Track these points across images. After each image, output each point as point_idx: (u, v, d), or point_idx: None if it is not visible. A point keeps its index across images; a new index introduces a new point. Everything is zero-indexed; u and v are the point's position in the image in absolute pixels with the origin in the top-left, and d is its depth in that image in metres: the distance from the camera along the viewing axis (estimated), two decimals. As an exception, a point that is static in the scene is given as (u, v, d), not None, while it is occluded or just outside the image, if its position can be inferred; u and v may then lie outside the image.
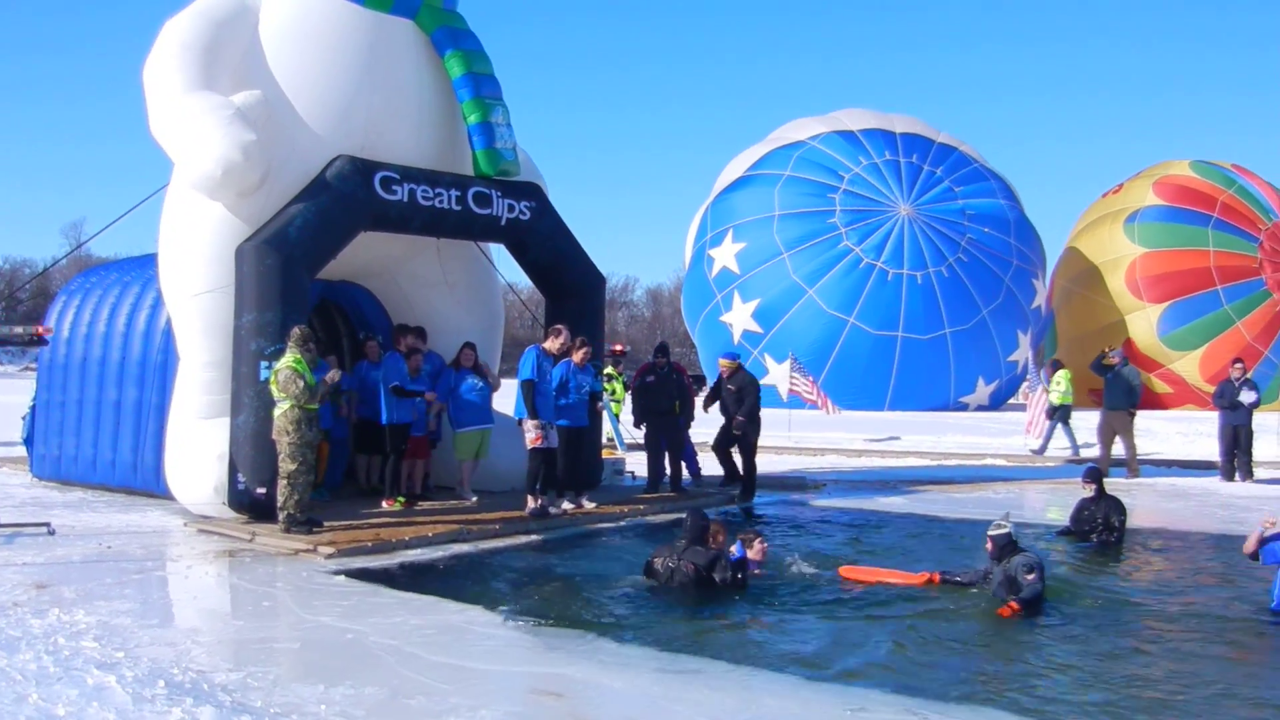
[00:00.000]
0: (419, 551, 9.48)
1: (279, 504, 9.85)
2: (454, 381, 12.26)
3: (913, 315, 32.00)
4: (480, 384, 12.33)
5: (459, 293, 13.27)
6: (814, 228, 32.89)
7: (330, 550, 9.11)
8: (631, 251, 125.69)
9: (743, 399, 13.72)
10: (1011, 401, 36.31)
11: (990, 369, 33.41)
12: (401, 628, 6.77)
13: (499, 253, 13.62)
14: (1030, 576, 7.74)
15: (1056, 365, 21.30)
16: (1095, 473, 10.81)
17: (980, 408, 34.01)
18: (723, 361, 14.00)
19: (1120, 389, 16.82)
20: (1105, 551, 10.15)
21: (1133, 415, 16.85)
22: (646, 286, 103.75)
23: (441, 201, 11.56)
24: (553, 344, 11.46)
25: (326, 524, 10.05)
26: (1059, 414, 20.53)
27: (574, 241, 13.10)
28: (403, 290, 13.15)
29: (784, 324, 32.37)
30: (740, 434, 13.69)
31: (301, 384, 9.81)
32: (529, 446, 11.20)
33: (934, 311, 32.18)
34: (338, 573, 8.44)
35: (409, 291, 13.14)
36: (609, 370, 21.32)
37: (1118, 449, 17.07)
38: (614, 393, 20.37)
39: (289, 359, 9.94)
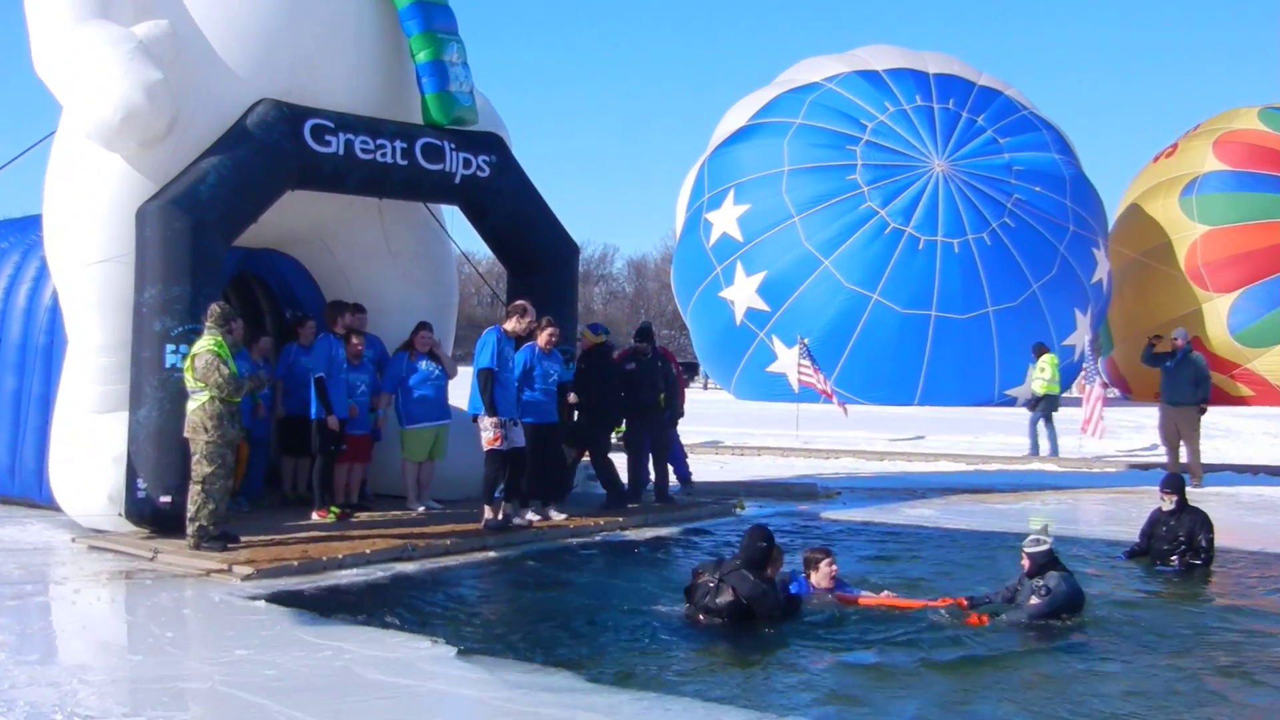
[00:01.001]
0: (355, 572, 9.51)
1: (189, 515, 9.83)
2: (405, 369, 12.28)
3: (949, 291, 32.14)
4: (437, 372, 12.36)
5: (405, 264, 13.27)
6: (831, 186, 32.97)
7: (248, 570, 9.13)
8: (610, 216, 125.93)
9: (639, 382, 13.51)
10: (1066, 395, 36.40)
11: (1042, 355, 33.50)
12: (333, 663, 6.80)
13: (453, 216, 13.63)
14: (1033, 602, 8.00)
15: (1042, 349, 21.77)
16: (1177, 482, 10.75)
17: (1029, 402, 34.03)
18: (587, 334, 13.36)
19: (1184, 380, 16.81)
20: (1193, 576, 10.14)
21: (1202, 411, 16.88)
22: (628, 257, 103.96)
23: (384, 155, 11.57)
24: (515, 325, 11.50)
25: (244, 539, 10.06)
26: (1042, 405, 20.87)
27: (542, 204, 13.12)
28: (337, 261, 13.15)
29: (795, 301, 32.46)
30: (579, 424, 13.18)
31: (225, 372, 9.78)
32: (486, 448, 11.24)
33: (974, 286, 32.32)
34: (257, 597, 8.46)
35: (345, 262, 13.14)
36: None
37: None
38: None
39: (208, 341, 9.92)
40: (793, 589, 8.25)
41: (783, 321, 32.26)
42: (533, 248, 13.11)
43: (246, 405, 11.49)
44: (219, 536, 9.85)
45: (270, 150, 10.84)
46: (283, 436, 12.63)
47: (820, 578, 8.59)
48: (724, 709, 6.13)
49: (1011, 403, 33.41)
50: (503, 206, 12.72)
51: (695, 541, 11.88)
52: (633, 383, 13.53)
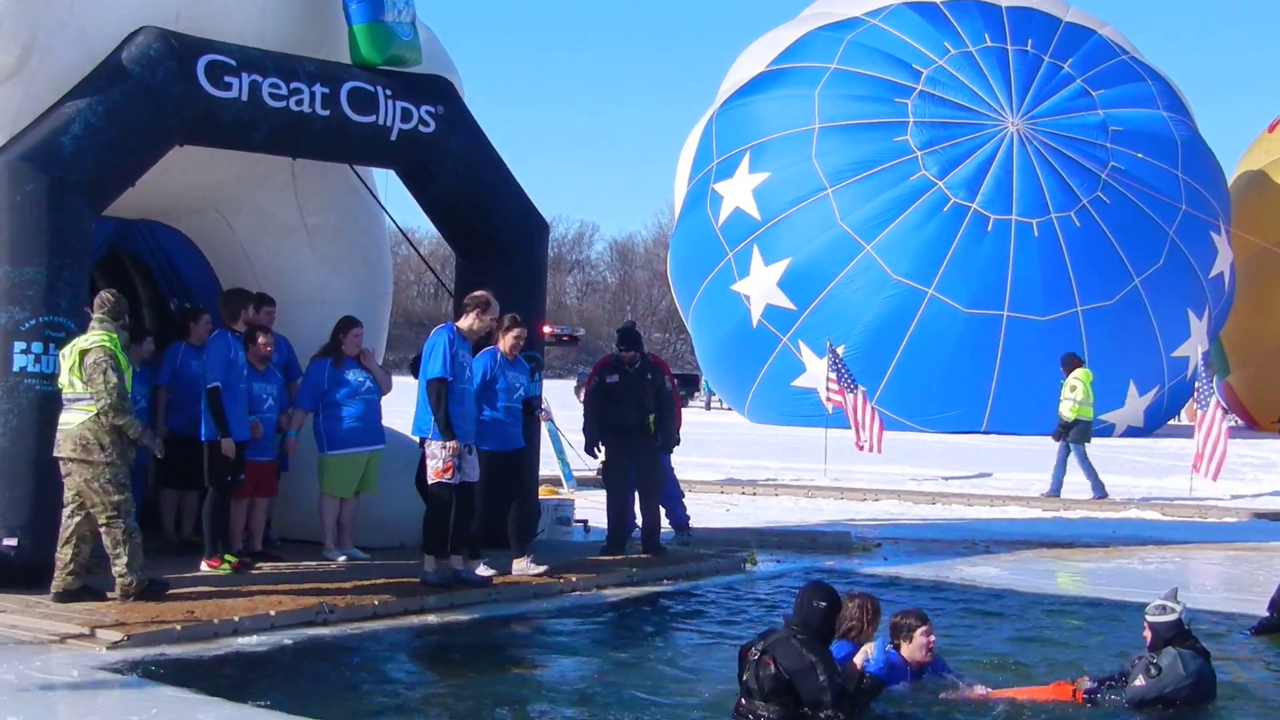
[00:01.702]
0: (255, 640, 9.50)
1: (122, 562, 9.95)
2: (327, 380, 12.26)
3: (1026, 285, 32.25)
4: (368, 383, 12.36)
5: (325, 242, 13.28)
6: (875, 150, 33.08)
7: (117, 636, 9.11)
8: (589, 187, 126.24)
9: (622, 398, 13.65)
10: (1174, 423, 36.52)
11: (1147, 369, 33.63)
12: (224, 758, 6.80)
13: (388, 183, 13.63)
14: (1138, 683, 8.12)
15: (1073, 362, 22.06)
16: None
17: (1132, 431, 34.22)
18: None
19: None
20: None
21: None
22: (610, 239, 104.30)
23: (300, 102, 11.58)
24: (473, 322, 11.50)
25: (110, 596, 10.06)
26: (1074, 433, 21.19)
27: (502, 168, 13.14)
28: (238, 237, 13.16)
29: (827, 297, 32.53)
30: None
31: (112, 380, 9.86)
32: (432, 480, 11.25)
33: (1059, 280, 32.43)
34: (128, 670, 8.45)
35: (248, 239, 13.15)
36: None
37: None
38: None
39: (99, 336, 10.01)
40: (871, 667, 8.01)
41: (812, 323, 32.35)
42: (489, 224, 13.12)
43: None
44: (151, 586, 10.04)
45: (153, 93, 10.82)
46: (164, 462, 12.59)
47: (914, 650, 8.44)
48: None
49: (1108, 432, 33.43)
50: (451, 171, 12.72)
51: (695, 605, 11.89)
52: (614, 399, 13.55)
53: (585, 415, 13.92)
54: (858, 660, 8.11)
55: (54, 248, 10.31)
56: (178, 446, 12.30)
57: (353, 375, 12.37)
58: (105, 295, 10.26)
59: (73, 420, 9.97)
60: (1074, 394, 21.49)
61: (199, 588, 10.71)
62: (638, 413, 13.65)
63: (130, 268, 13.55)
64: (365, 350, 12.57)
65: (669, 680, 9.07)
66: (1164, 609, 8.45)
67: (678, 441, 14.59)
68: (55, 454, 10.05)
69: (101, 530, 10.01)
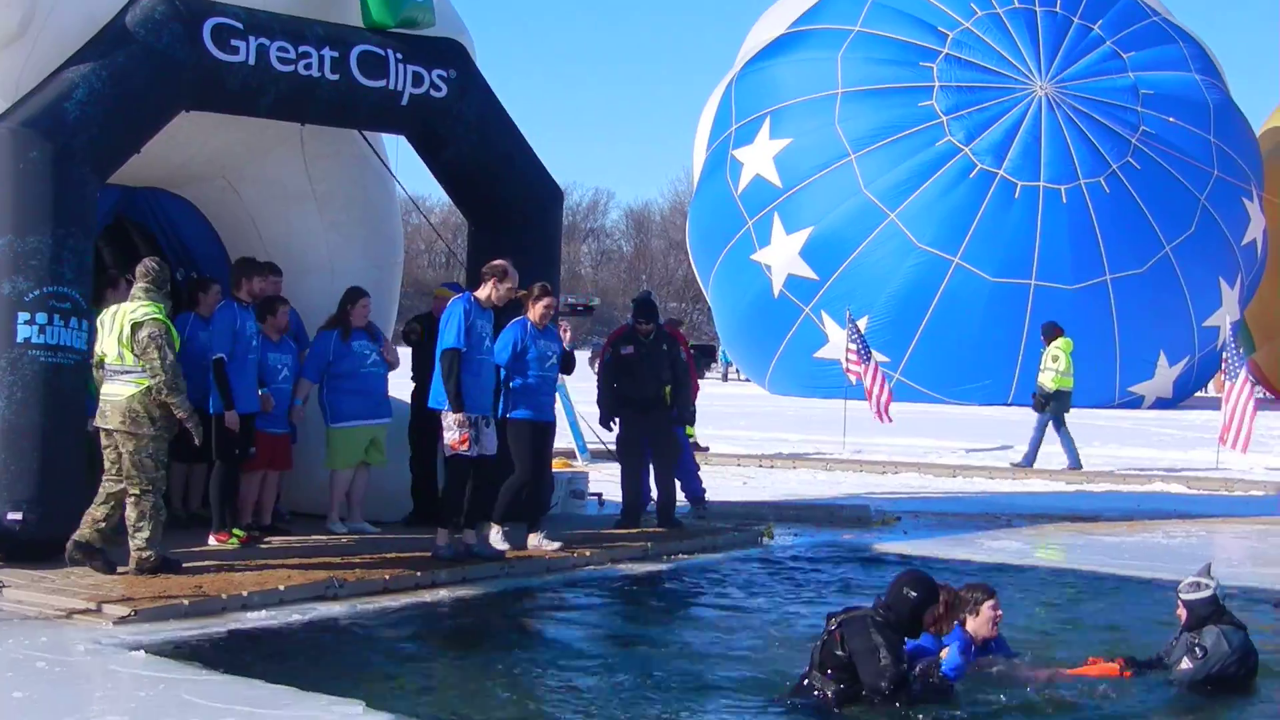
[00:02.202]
0: (263, 615, 9.55)
1: (143, 535, 10.04)
2: (333, 351, 12.29)
3: (1054, 254, 32.20)
4: (374, 355, 12.39)
5: (334, 210, 13.30)
6: (899, 115, 32.99)
7: (124, 611, 9.17)
8: (604, 154, 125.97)
9: (638, 371, 13.71)
10: (1201, 395, 36.45)
11: (1178, 340, 33.62)
12: (234, 736, 6.84)
13: (399, 150, 13.63)
14: (1184, 666, 8.09)
15: (1054, 331, 22.24)
16: None
17: (1160, 402, 34.15)
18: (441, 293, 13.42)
19: None
20: None
21: None
22: (626, 207, 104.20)
23: (309, 66, 11.59)
24: (491, 292, 11.50)
25: (120, 569, 10.12)
26: (1052, 405, 21.38)
27: (516, 134, 13.14)
28: (245, 205, 13.18)
29: (851, 266, 32.45)
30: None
31: (170, 359, 10.00)
32: (448, 452, 11.30)
33: (1089, 247, 32.37)
34: (135, 647, 8.48)
35: (255, 207, 13.17)
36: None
37: None
38: None
39: (151, 309, 10.11)
40: (945, 667, 7.76)
41: (835, 293, 32.33)
42: (502, 191, 13.12)
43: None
44: (164, 564, 10.11)
45: (158, 57, 10.83)
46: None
47: (980, 624, 8.26)
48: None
49: (1136, 404, 33.34)
50: (464, 137, 12.72)
51: (711, 578, 11.96)
52: (629, 371, 13.57)
53: (600, 387, 13.93)
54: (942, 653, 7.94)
55: (58, 216, 10.34)
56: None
57: (359, 346, 12.39)
58: (150, 264, 10.35)
59: (122, 393, 10.07)
60: (1055, 364, 21.64)
61: (207, 562, 10.76)
62: (654, 385, 13.68)
63: (136, 237, 13.56)
64: (387, 344, 12.57)
65: (686, 655, 9.13)
66: (1198, 586, 8.42)
67: (693, 416, 14.62)
68: (100, 424, 10.20)
69: (129, 501, 10.09)
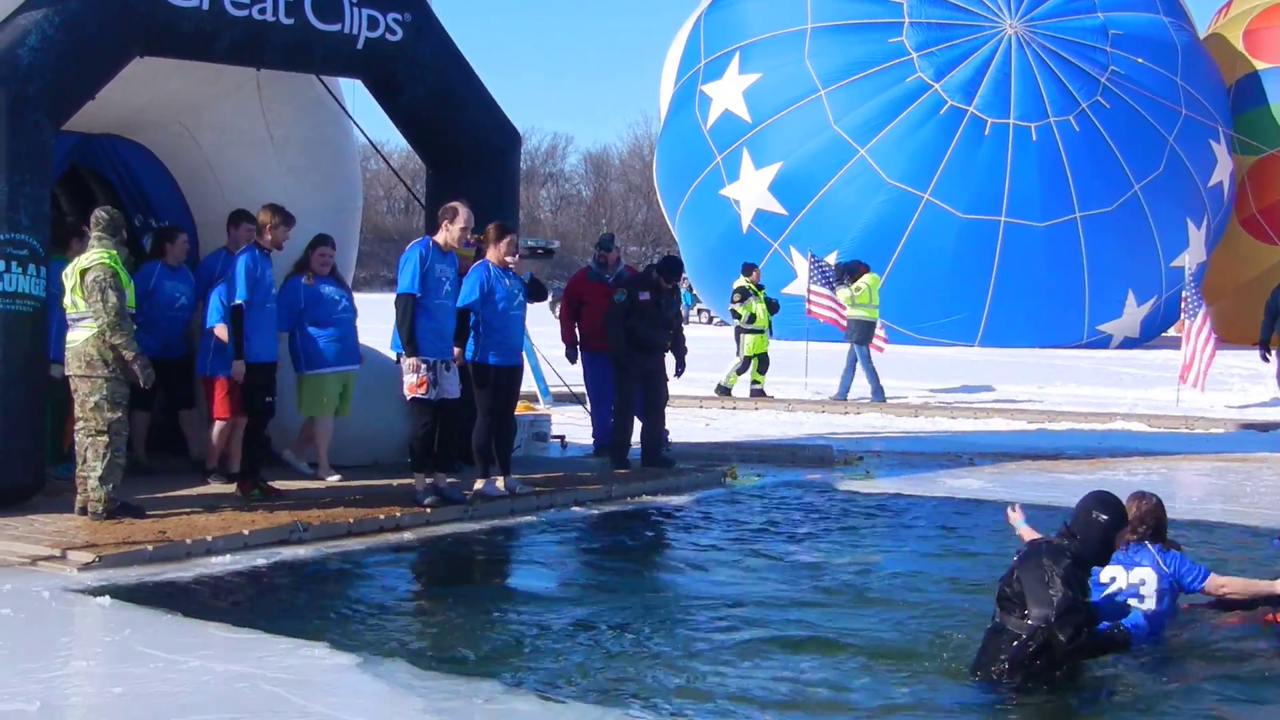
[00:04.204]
0: (228, 559, 9.63)
1: (96, 475, 10.11)
2: (303, 298, 12.29)
3: (1024, 191, 32.32)
4: (344, 302, 12.39)
5: (291, 155, 13.28)
6: (869, 51, 32.94)
7: (88, 558, 9.22)
8: (562, 99, 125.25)
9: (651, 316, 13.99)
10: (1168, 334, 36.65)
11: (1145, 279, 33.86)
12: (200, 678, 6.93)
13: (356, 94, 13.61)
14: None
15: (855, 268, 22.96)
16: None
17: (1129, 341, 34.37)
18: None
19: None
20: None
21: None
22: (584, 151, 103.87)
23: (264, 10, 11.55)
24: (446, 235, 11.53)
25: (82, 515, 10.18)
26: (857, 333, 22.14)
27: (473, 78, 13.15)
28: (203, 150, 13.15)
29: (820, 201, 32.51)
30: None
31: (113, 300, 10.02)
32: (408, 395, 11.36)
33: (1058, 185, 32.50)
34: (100, 592, 8.56)
35: (213, 152, 13.14)
36: (743, 283, 22.19)
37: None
38: (753, 318, 21.44)
39: (99, 255, 10.15)
40: (1129, 621, 7.47)
41: (804, 228, 32.43)
42: (460, 136, 13.14)
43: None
44: (123, 507, 10.17)
45: (111, 3, 10.80)
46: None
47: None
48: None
49: (1105, 343, 33.49)
50: (421, 81, 12.72)
51: (675, 518, 12.12)
52: (644, 316, 13.86)
53: (610, 329, 13.93)
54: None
55: (13, 163, 10.32)
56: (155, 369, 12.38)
57: (327, 291, 12.39)
58: (100, 213, 10.39)
59: (77, 338, 10.19)
60: (860, 295, 22.31)
61: (171, 510, 10.79)
62: (664, 332, 14.08)
63: (93, 184, 13.54)
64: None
65: (654, 590, 9.32)
66: None
67: (683, 363, 14.81)
68: (66, 372, 10.28)
69: (87, 443, 10.15)
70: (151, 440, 12.87)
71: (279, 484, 11.73)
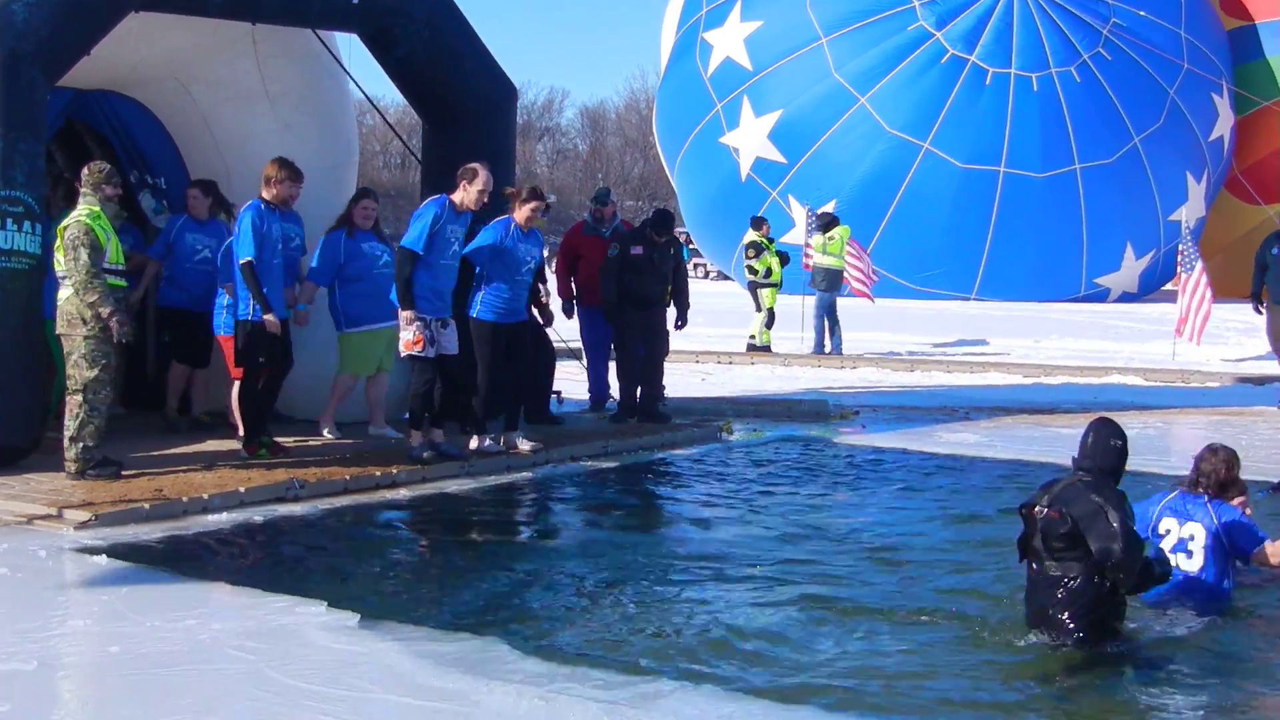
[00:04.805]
0: (225, 517, 9.66)
1: (68, 434, 10.10)
2: (344, 253, 12.18)
3: (1024, 141, 32.22)
4: (385, 256, 12.31)
5: (288, 111, 13.23)
6: (871, 0, 32.73)
7: (84, 516, 9.24)
8: (559, 52, 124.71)
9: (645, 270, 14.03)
10: (1165, 289, 36.61)
11: (1144, 232, 33.71)
12: (197, 635, 6.97)
13: (352, 48, 13.57)
14: None
15: (828, 220, 23.28)
16: None
17: (1127, 296, 34.36)
18: None
19: None
20: None
21: None
22: (581, 105, 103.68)
23: (258, -36, 11.51)
24: (463, 195, 11.45)
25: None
26: (825, 281, 22.57)
27: (469, 31, 13.11)
28: (198, 106, 13.10)
29: (819, 150, 32.45)
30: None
31: (83, 258, 9.99)
32: (404, 351, 11.37)
33: (1058, 136, 32.39)
34: (96, 551, 8.59)
35: (208, 108, 13.10)
36: (754, 238, 22.34)
37: None
38: (769, 272, 21.58)
39: (78, 212, 10.18)
40: (1153, 552, 7.39)
41: (803, 176, 32.37)
42: (456, 90, 13.11)
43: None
44: (105, 462, 10.14)
45: (105, -42, 10.76)
46: (172, 339, 12.63)
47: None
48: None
49: (1103, 296, 33.44)
50: (416, 34, 12.68)
51: (672, 472, 12.21)
52: (637, 270, 13.88)
53: (604, 283, 13.95)
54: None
55: (8, 119, 10.30)
56: (181, 321, 12.38)
57: (370, 249, 12.28)
58: (86, 167, 10.42)
59: (62, 297, 10.19)
60: (829, 243, 22.76)
61: (168, 468, 10.79)
62: (659, 285, 14.11)
63: (88, 139, 13.51)
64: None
65: (653, 544, 9.43)
66: None
67: (685, 319, 14.83)
68: (57, 331, 10.28)
69: (67, 398, 10.16)
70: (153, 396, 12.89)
71: (285, 440, 11.74)
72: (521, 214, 11.83)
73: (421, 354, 11.28)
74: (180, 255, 12.38)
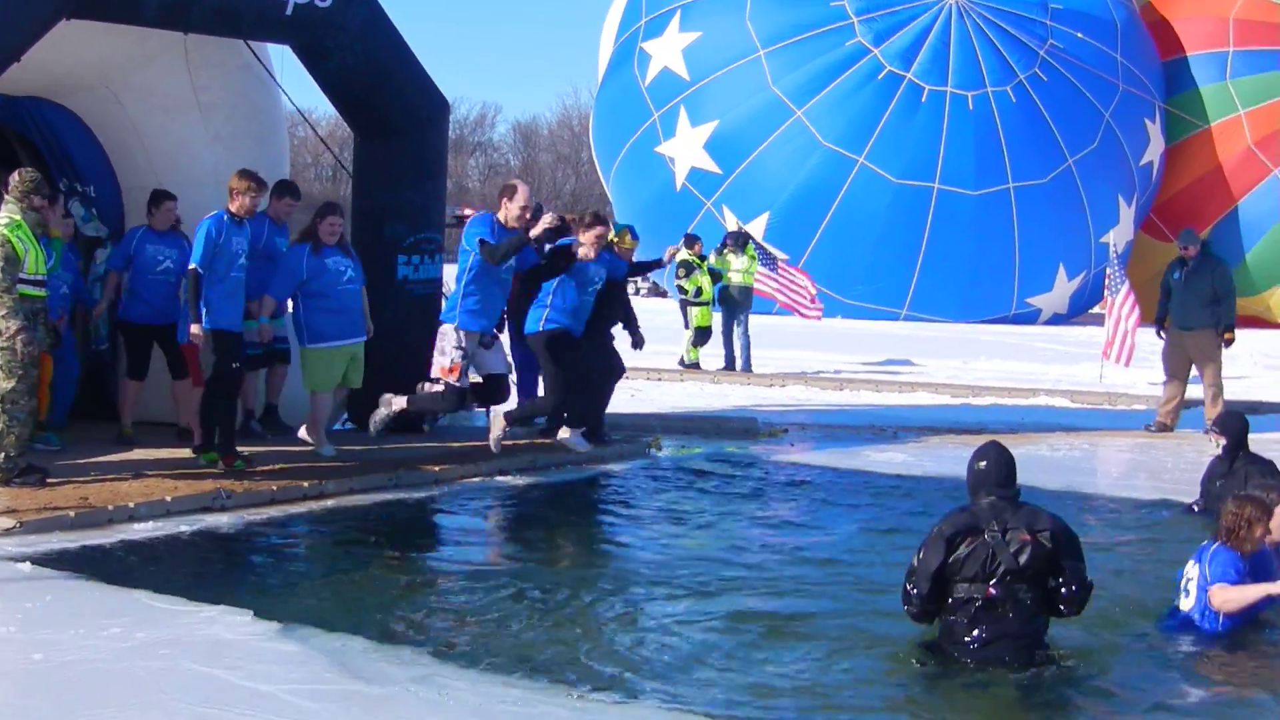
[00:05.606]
0: (151, 526, 9.67)
1: None
2: (306, 268, 12.10)
3: (958, 159, 32.55)
4: (349, 271, 12.24)
5: (219, 122, 13.24)
6: (810, 14, 33.02)
7: (8, 524, 9.24)
8: (491, 68, 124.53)
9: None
10: (1095, 311, 36.98)
11: (1076, 253, 34.13)
12: (120, 644, 6.98)
13: (284, 61, 13.58)
14: None
15: (741, 238, 23.45)
16: (1231, 423, 10.96)
17: (1057, 317, 34.64)
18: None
19: (1198, 294, 16.44)
20: None
21: (1225, 339, 16.62)
22: (513, 121, 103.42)
23: (191, -27, 11.51)
24: (506, 211, 11.72)
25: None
26: (744, 299, 22.60)
27: (402, 46, 13.18)
28: (129, 115, 13.10)
29: (755, 161, 32.57)
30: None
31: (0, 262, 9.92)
32: (436, 374, 11.71)
33: (993, 154, 32.72)
34: (21, 559, 8.58)
35: (139, 117, 13.10)
36: (685, 256, 22.36)
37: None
38: (699, 291, 22.09)
39: (0, 220, 10.10)
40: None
41: (738, 188, 32.58)
42: (388, 103, 13.16)
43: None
44: (29, 470, 10.11)
45: (37, -35, 10.74)
46: (129, 353, 12.56)
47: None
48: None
49: (1033, 317, 33.65)
50: (349, 47, 12.72)
51: (600, 487, 12.33)
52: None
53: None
54: None
55: (-64, 126, 10.27)
56: (141, 336, 12.32)
57: (334, 264, 12.12)
58: (15, 174, 10.39)
59: None
60: (752, 263, 22.91)
61: (98, 476, 10.75)
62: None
63: (17, 147, 13.46)
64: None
65: (582, 559, 9.59)
66: None
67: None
68: None
69: None
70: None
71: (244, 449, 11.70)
72: (588, 241, 12.15)
73: (457, 383, 11.42)
74: (141, 267, 12.26)
